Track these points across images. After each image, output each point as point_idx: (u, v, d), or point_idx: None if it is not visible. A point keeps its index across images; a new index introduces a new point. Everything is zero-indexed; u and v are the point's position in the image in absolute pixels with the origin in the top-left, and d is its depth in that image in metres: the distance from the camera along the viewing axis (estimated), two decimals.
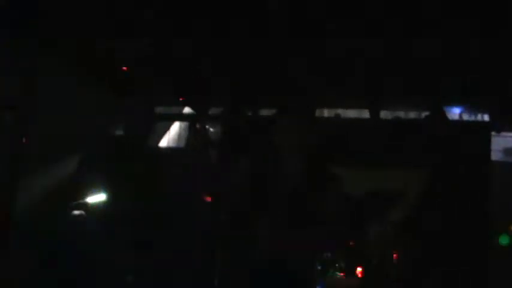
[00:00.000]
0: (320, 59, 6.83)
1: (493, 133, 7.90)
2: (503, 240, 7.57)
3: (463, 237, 7.20)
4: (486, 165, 7.75)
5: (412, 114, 8.41)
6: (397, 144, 7.62)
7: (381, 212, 7.16)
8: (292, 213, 3.99)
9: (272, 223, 3.92)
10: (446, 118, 7.63)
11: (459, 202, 7.37)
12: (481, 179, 7.52)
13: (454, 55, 6.33)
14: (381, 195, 7.22)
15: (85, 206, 4.15)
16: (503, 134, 8.23)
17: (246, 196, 4.18)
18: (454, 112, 8.02)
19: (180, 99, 8.60)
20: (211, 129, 8.89)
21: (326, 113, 8.54)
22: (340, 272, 6.60)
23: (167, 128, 9.49)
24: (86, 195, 4.26)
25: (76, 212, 3.79)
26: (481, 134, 7.77)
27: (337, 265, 6.60)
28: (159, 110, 9.08)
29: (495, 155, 8.22)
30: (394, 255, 6.67)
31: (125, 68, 7.61)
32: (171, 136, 9.45)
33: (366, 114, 8.20)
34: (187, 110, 9.14)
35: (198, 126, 8.65)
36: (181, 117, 9.27)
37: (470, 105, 7.94)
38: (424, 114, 7.85)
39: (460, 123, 8.06)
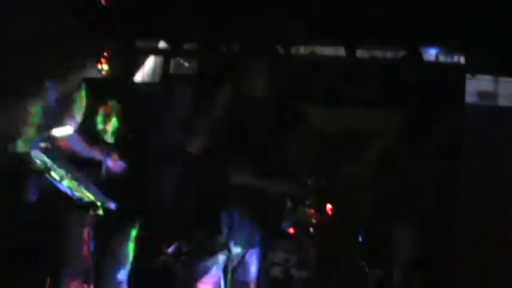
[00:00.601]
0: None
1: (468, 75, 7.90)
2: None
3: (434, 180, 7.24)
4: (461, 107, 7.77)
5: (388, 54, 8.34)
6: (373, 84, 7.61)
7: (355, 151, 7.19)
8: (263, 152, 3.97)
9: (244, 161, 3.91)
10: (421, 59, 7.60)
11: (432, 144, 7.40)
12: (455, 122, 7.53)
13: None
14: (355, 135, 7.23)
15: (51, 139, 4.09)
16: (478, 76, 8.25)
17: (218, 133, 4.15)
18: (430, 53, 7.98)
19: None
20: (186, 64, 8.79)
21: (301, 49, 8.43)
22: (311, 209, 6.63)
23: (142, 63, 9.35)
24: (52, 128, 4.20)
25: (42, 145, 3.70)
26: (456, 76, 7.76)
27: (307, 202, 6.63)
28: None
29: (470, 98, 8.25)
30: (366, 195, 6.70)
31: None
32: (145, 71, 9.33)
33: (342, 52, 8.13)
34: (162, 44, 9.01)
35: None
36: (156, 51, 9.13)
37: (446, 47, 7.89)
38: (401, 54, 7.79)
39: (435, 64, 8.03)
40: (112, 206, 3.90)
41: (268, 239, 4.14)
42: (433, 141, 7.34)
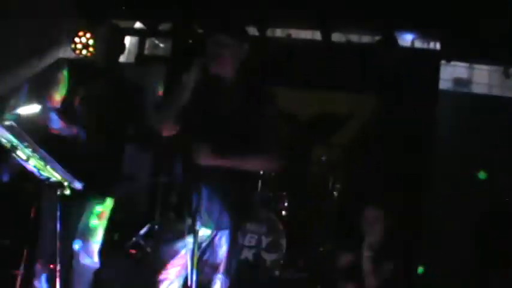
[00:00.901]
0: None
1: (442, 62, 7.91)
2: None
3: (407, 165, 7.21)
4: (435, 93, 7.78)
5: (364, 39, 8.32)
6: (347, 67, 7.60)
7: (327, 135, 7.18)
8: (233, 133, 3.92)
9: (213, 142, 3.87)
10: (396, 44, 7.59)
11: (406, 129, 7.39)
12: (428, 108, 7.52)
13: None
14: (329, 118, 7.22)
15: (17, 117, 4.02)
16: (453, 63, 8.28)
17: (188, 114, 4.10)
18: (406, 39, 7.98)
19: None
20: (161, 45, 8.73)
21: (277, 32, 8.40)
22: (283, 192, 6.63)
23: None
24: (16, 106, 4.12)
25: (7, 123, 3.61)
26: (430, 62, 7.76)
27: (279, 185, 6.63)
28: None
29: (444, 84, 8.28)
30: (338, 179, 6.67)
31: None
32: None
33: (317, 35, 8.13)
34: (138, 25, 8.93)
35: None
36: (132, 32, 9.05)
37: (422, 33, 7.88)
38: (376, 38, 7.78)
39: (410, 50, 8.02)
40: (78, 186, 3.84)
41: (239, 221, 4.10)
42: (406, 126, 7.33)
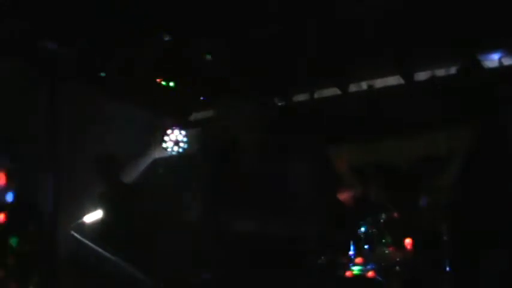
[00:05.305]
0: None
1: None
2: None
3: None
4: None
5: (448, 70, 7.85)
6: (435, 105, 7.15)
7: (427, 179, 6.71)
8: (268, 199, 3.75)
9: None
10: (480, 66, 7.06)
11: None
12: None
13: None
14: (425, 162, 6.77)
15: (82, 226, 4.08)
16: None
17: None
18: (492, 58, 7.44)
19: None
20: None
21: (358, 86, 8.17)
22: (389, 247, 6.25)
23: None
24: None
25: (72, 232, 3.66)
26: None
27: (383, 241, 6.26)
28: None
29: None
30: (445, 225, 6.13)
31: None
32: None
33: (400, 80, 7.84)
34: None
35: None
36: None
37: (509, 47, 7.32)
38: (456, 67, 7.31)
39: (499, 69, 7.42)
40: None
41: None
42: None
